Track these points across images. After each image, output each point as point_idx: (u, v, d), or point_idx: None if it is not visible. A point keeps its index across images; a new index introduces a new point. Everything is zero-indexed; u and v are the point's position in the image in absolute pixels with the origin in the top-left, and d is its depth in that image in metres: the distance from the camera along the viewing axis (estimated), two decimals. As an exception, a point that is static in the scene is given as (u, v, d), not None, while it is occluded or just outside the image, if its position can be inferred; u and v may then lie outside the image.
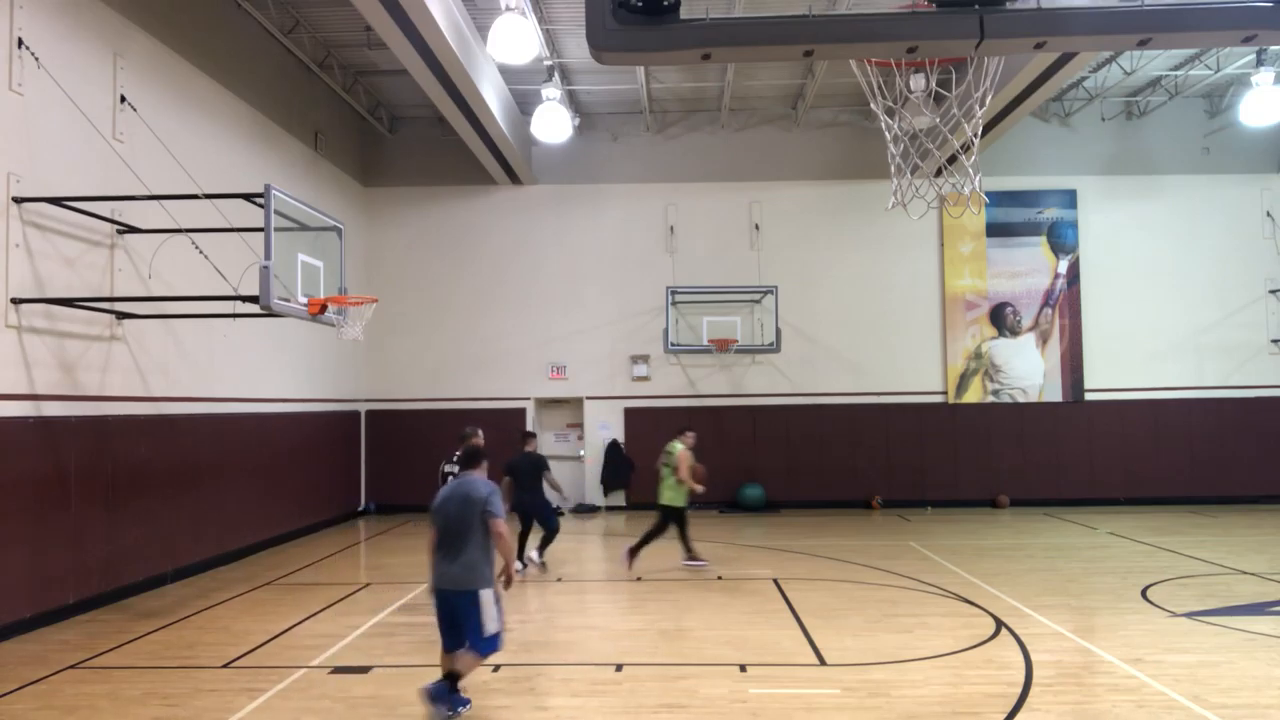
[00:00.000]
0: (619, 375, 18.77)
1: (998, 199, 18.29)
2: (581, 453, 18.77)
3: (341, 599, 10.31)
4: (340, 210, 16.52)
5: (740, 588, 10.73)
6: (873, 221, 18.46)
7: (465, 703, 6.41)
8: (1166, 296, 18.61)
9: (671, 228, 18.92)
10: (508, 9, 12.15)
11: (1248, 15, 6.28)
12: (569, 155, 18.78)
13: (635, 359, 18.75)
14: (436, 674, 6.98)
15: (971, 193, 8.25)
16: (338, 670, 7.50)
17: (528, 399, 18.71)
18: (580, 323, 18.84)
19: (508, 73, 16.03)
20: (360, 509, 18.31)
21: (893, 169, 8.63)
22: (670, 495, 11.69)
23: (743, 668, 7.42)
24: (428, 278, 18.88)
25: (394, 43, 11.99)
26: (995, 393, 18.58)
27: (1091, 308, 18.65)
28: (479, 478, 6.60)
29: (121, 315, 10.35)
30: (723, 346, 17.41)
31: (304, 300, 9.39)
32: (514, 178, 18.66)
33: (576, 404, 18.88)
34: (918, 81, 8.87)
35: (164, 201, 9.98)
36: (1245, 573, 11.10)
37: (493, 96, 14.96)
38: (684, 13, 6.31)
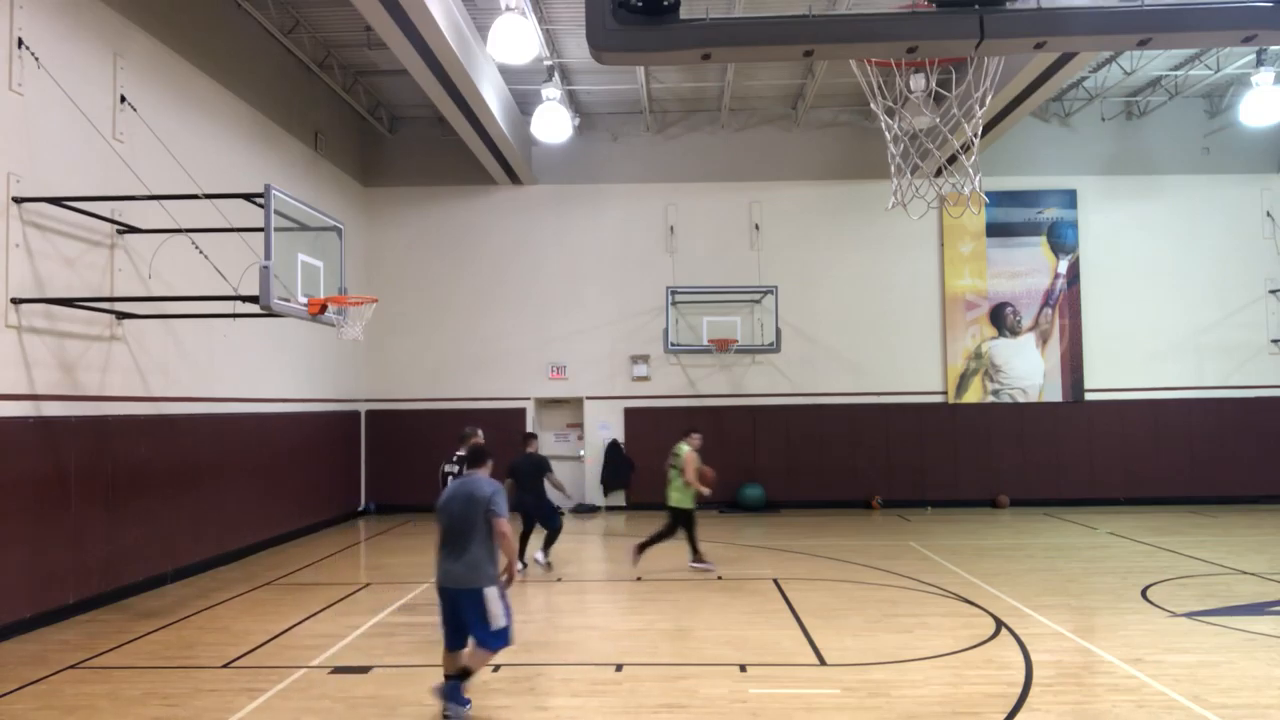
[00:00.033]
0: (619, 375, 18.77)
1: (998, 199, 18.29)
2: (581, 453, 18.77)
3: (341, 599, 10.31)
4: (340, 210, 16.53)
5: (740, 588, 10.73)
6: (873, 221, 18.46)
7: (466, 703, 6.41)
8: (1166, 296, 18.61)
9: (671, 228, 18.92)
10: (508, 9, 12.15)
11: (1248, 15, 6.28)
12: (569, 155, 18.78)
13: (635, 359, 18.75)
14: (437, 674, 6.99)
15: (971, 193, 8.25)
16: (338, 670, 7.50)
17: (528, 399, 18.71)
18: (580, 323, 18.84)
19: (508, 73, 16.03)
20: (360, 509, 18.31)
21: (893, 169, 8.62)
22: (677, 497, 11.68)
23: (743, 668, 7.42)
24: (428, 278, 18.88)
25: (394, 43, 11.99)
26: (995, 393, 18.58)
27: (1091, 308, 18.65)
28: (483, 477, 6.63)
29: (121, 315, 10.35)
30: (723, 346, 17.41)
31: (304, 300, 9.39)
32: (514, 178, 18.66)
33: (576, 404, 18.88)
34: (918, 81, 8.87)
35: (164, 201, 9.98)
36: (1245, 573, 11.10)
37: (493, 96, 14.97)
38: (684, 13, 6.31)
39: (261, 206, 8.95)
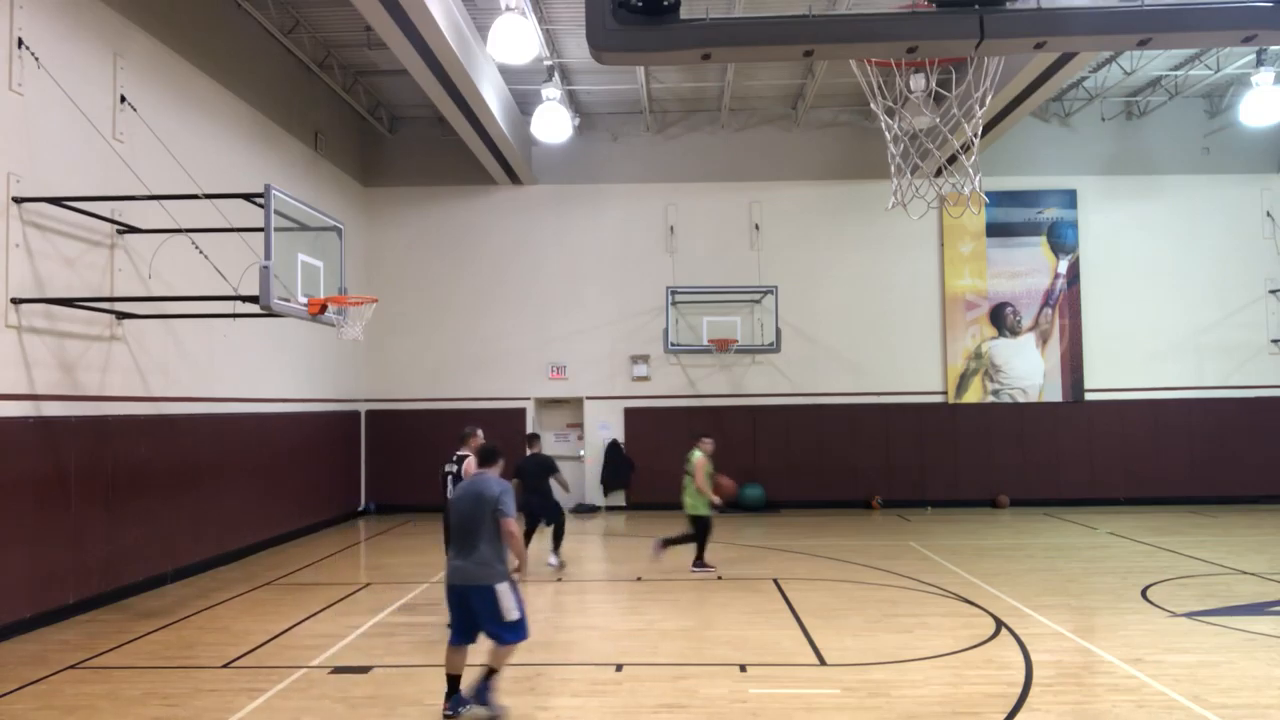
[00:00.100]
0: (619, 375, 18.77)
1: (998, 199, 18.29)
2: (581, 453, 18.77)
3: (341, 599, 10.31)
4: (340, 210, 16.53)
5: (740, 588, 10.73)
6: (873, 221, 18.46)
7: (466, 703, 6.41)
8: (1166, 296, 18.61)
9: (671, 228, 18.92)
10: (508, 9, 12.15)
11: (1248, 15, 6.28)
12: (569, 155, 18.78)
13: (635, 359, 18.75)
14: (437, 673, 7.00)
15: (971, 193, 8.25)
16: (338, 670, 7.50)
17: (528, 399, 18.71)
18: (580, 323, 18.84)
19: (508, 73, 16.03)
20: (360, 509, 18.31)
21: (893, 169, 8.62)
22: (690, 503, 11.66)
23: (743, 668, 7.42)
24: (428, 278, 18.88)
25: (394, 43, 11.99)
26: (995, 393, 18.58)
27: (1091, 308, 18.65)
28: (492, 476, 6.66)
29: (121, 315, 10.35)
30: (723, 346, 17.41)
31: (304, 300, 9.39)
32: (514, 178, 18.66)
33: (576, 404, 18.88)
34: (918, 81, 8.86)
35: (164, 201, 9.98)
36: (1245, 573, 11.10)
37: (493, 96, 14.97)
38: (684, 13, 6.31)
39: (261, 206, 8.95)
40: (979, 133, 8.81)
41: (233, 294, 9.40)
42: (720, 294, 18.00)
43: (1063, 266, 18.71)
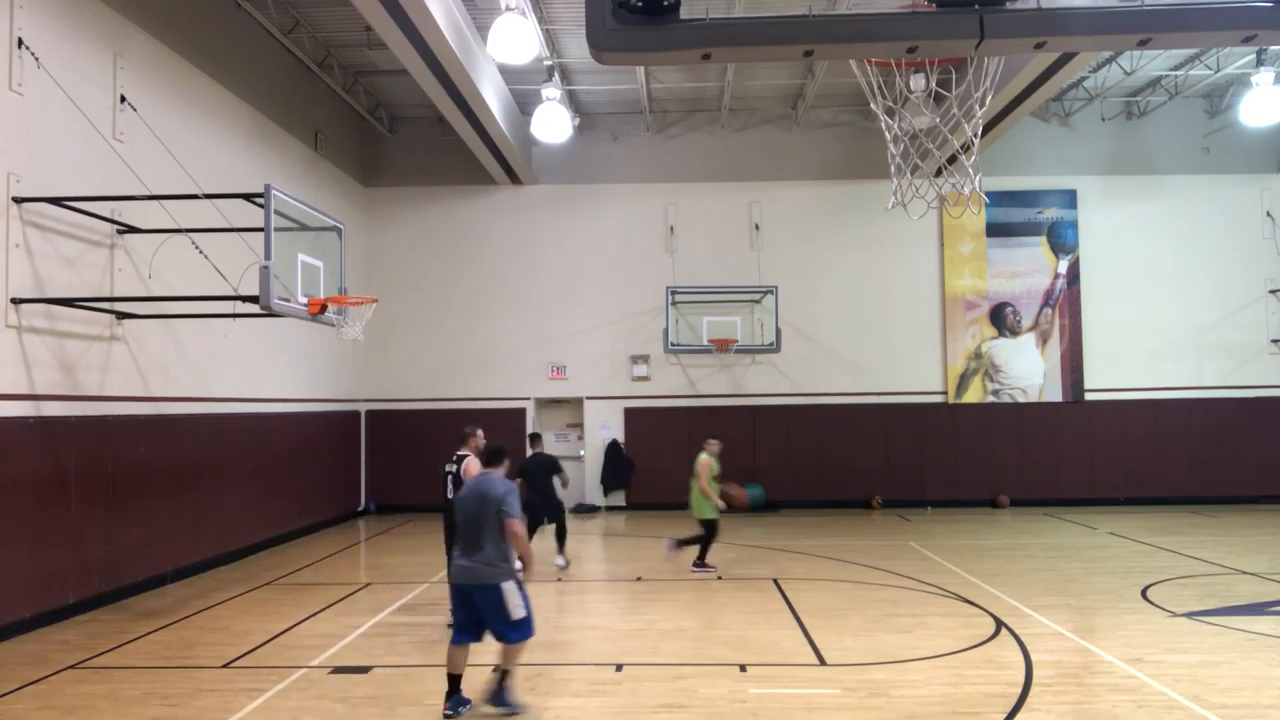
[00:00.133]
0: (619, 375, 18.77)
1: (998, 199, 18.30)
2: (581, 453, 18.77)
3: (341, 599, 10.31)
4: (340, 210, 16.53)
5: (740, 588, 10.73)
6: (873, 221, 18.46)
7: (466, 703, 6.42)
8: (1166, 296, 18.61)
9: (671, 228, 18.92)
10: (508, 9, 12.15)
11: (1248, 15, 6.28)
12: (569, 155, 18.78)
13: (635, 359, 18.75)
14: (436, 673, 7.01)
15: (971, 193, 8.24)
16: (338, 670, 7.50)
17: (528, 399, 18.71)
18: (580, 323, 18.84)
19: (508, 73, 16.03)
20: (360, 509, 18.31)
21: (893, 169, 8.62)
22: (696, 506, 11.68)
23: (743, 668, 7.42)
24: (428, 278, 18.88)
25: (394, 43, 11.99)
26: (995, 393, 18.58)
27: (1091, 308, 18.65)
28: (497, 476, 6.68)
29: (121, 315, 10.35)
30: (723, 346, 17.41)
31: (304, 300, 9.39)
32: (514, 178, 18.66)
33: (576, 404, 18.88)
34: (918, 81, 8.86)
35: (164, 201, 9.98)
36: (1245, 573, 11.10)
37: (493, 96, 14.97)
38: (684, 13, 6.31)
39: (261, 206, 8.95)
40: (979, 133, 8.81)
41: (233, 294, 9.40)
42: (720, 294, 18.00)
43: (1063, 266, 18.72)
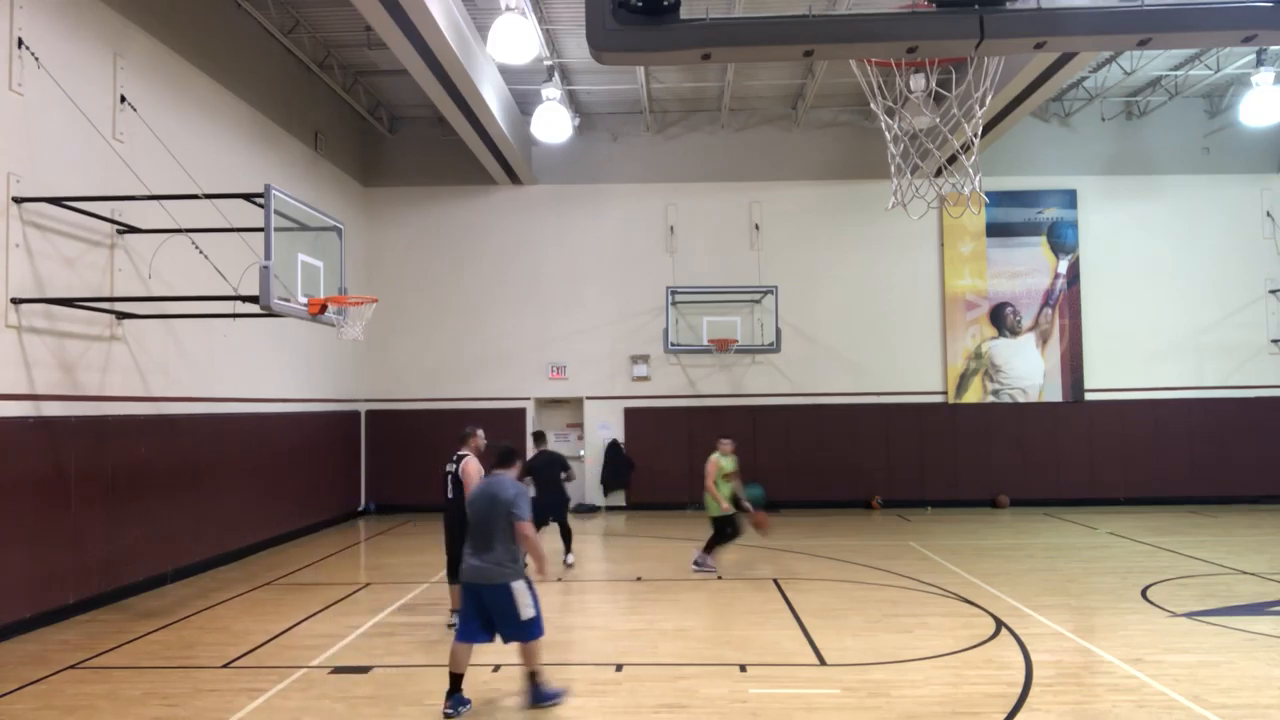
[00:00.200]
0: (619, 375, 18.77)
1: (998, 199, 18.30)
2: (581, 453, 18.77)
3: (341, 599, 10.31)
4: (340, 210, 16.53)
5: (740, 588, 10.73)
6: (873, 221, 18.46)
7: (466, 703, 6.42)
8: (1166, 296, 18.61)
9: (671, 228, 18.92)
10: (508, 9, 12.15)
11: (1248, 15, 6.28)
12: (569, 155, 18.78)
13: (635, 359, 18.75)
14: (436, 673, 7.01)
15: (971, 193, 8.24)
16: (338, 670, 7.50)
17: (528, 399, 18.71)
18: (580, 323, 18.84)
19: (508, 73, 16.03)
20: (360, 509, 18.31)
21: (893, 169, 8.62)
22: (709, 504, 11.71)
23: (743, 668, 7.42)
24: (428, 278, 18.89)
25: (394, 43, 11.99)
26: (995, 393, 18.58)
27: (1091, 308, 18.65)
28: (508, 478, 6.73)
29: (121, 315, 10.35)
30: (723, 346, 17.41)
31: (304, 300, 9.39)
32: (514, 178, 18.66)
33: (576, 404, 18.88)
34: (918, 81, 8.86)
35: (164, 201, 9.98)
36: (1245, 573, 11.10)
37: (493, 96, 14.97)
38: (684, 13, 6.31)
39: (261, 206, 8.95)
40: (979, 133, 8.80)
41: (233, 294, 9.40)
42: (720, 294, 18.00)
43: (1063, 266, 18.72)
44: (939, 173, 14.44)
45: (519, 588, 6.41)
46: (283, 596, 10.54)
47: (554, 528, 11.99)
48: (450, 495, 8.80)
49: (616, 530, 16.10)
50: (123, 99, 10.46)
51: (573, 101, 17.96)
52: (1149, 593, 10.06)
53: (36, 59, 9.05)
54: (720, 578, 11.30)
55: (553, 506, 11.84)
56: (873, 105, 8.41)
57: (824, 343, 18.67)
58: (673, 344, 17.68)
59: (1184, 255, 18.65)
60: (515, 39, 12.22)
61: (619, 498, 18.55)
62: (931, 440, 18.42)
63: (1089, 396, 18.51)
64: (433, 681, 7.00)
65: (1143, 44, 6.66)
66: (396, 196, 19.01)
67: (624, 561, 12.94)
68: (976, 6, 6.28)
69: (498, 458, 6.92)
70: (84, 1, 10.01)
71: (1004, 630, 8.50)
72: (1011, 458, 18.37)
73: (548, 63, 15.28)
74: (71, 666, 7.68)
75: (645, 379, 18.71)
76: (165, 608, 9.91)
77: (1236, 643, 7.96)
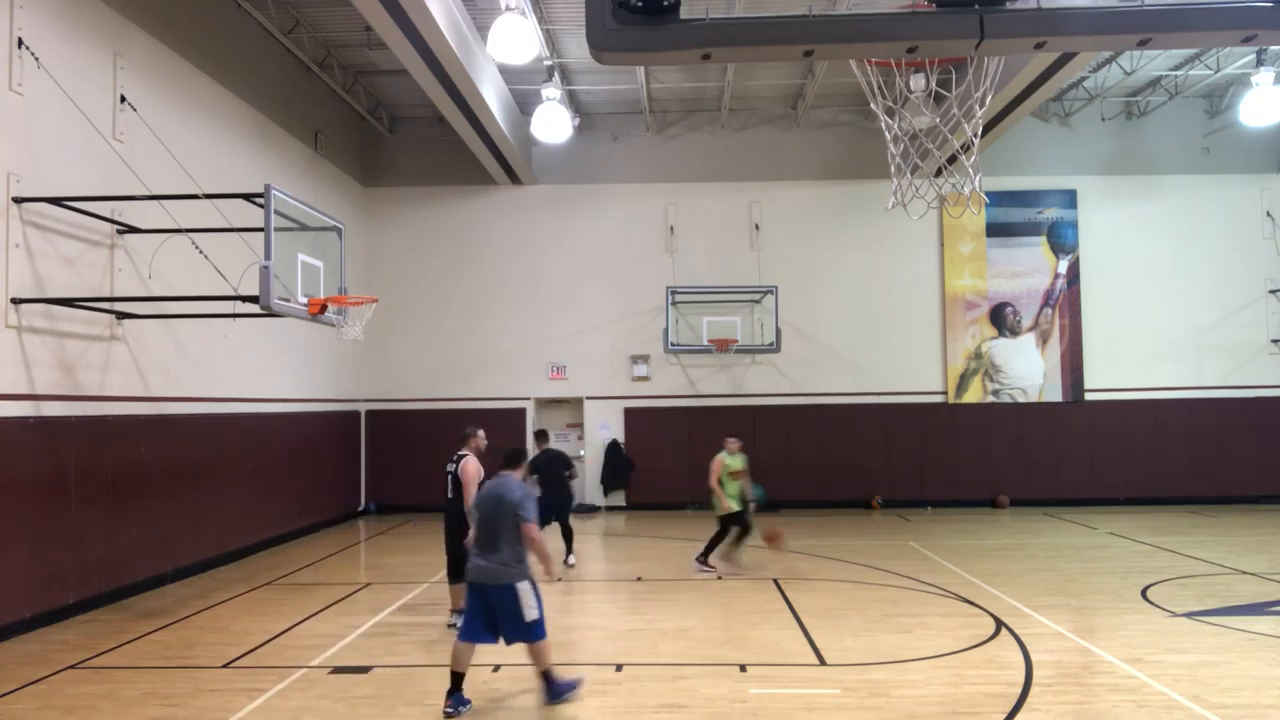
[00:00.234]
0: (619, 375, 18.77)
1: (998, 199, 18.29)
2: (581, 453, 18.76)
3: (341, 599, 10.31)
4: (340, 210, 16.53)
5: (740, 588, 10.73)
6: (873, 221, 18.46)
7: (466, 703, 6.42)
8: (1166, 296, 18.61)
9: (671, 228, 18.92)
10: (508, 9, 12.15)
11: (1248, 15, 6.28)
12: (569, 155, 18.78)
13: (635, 359, 18.75)
14: (437, 673, 7.01)
15: (971, 193, 8.24)
16: (338, 670, 7.50)
17: (528, 399, 18.71)
18: (580, 323, 18.84)
19: (508, 73, 16.03)
20: (360, 509, 18.31)
21: (893, 169, 8.62)
22: (715, 504, 11.71)
23: (743, 668, 7.42)
24: (428, 278, 18.89)
25: (394, 43, 11.99)
26: (995, 393, 18.58)
27: (1091, 308, 18.65)
28: (514, 480, 6.76)
29: (121, 315, 10.35)
30: (723, 346, 17.41)
31: (304, 300, 9.39)
32: (514, 178, 18.66)
33: (576, 404, 18.88)
34: (918, 81, 8.86)
35: (164, 201, 9.98)
36: (1245, 573, 11.10)
37: (493, 96, 14.97)
38: (684, 13, 6.31)
39: (261, 206, 8.95)
40: (979, 133, 8.80)
41: (233, 294, 9.40)
42: (720, 294, 18.00)
43: (1063, 266, 18.72)
44: (939, 173, 14.44)
45: (524, 589, 6.43)
46: (283, 596, 10.54)
47: (554, 527, 11.99)
48: (450, 495, 8.80)
49: (616, 530, 16.10)
50: (123, 99, 10.46)
51: (573, 101, 17.96)
52: (1149, 593, 10.06)
53: (36, 59, 9.05)
54: (720, 578, 11.30)
55: (557, 504, 11.84)
56: (873, 105, 8.41)
57: (824, 343, 18.67)
58: (673, 344, 17.68)
59: (1184, 255, 18.65)
60: (515, 39, 12.22)
61: (619, 498, 18.55)
62: (931, 440, 18.43)
63: (1089, 396, 18.51)
64: (433, 681, 7.00)
65: (1143, 44, 6.67)
66: (396, 196, 19.01)
67: (624, 561, 12.95)
68: (976, 6, 6.29)
69: (506, 459, 6.96)
70: (84, 1, 10.01)
71: (1004, 630, 8.50)
72: (1011, 458, 18.37)
73: (548, 63, 15.28)
74: (71, 666, 7.68)
75: (645, 379, 18.71)
76: (165, 608, 9.91)
77: (1236, 643, 7.96)
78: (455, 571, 8.78)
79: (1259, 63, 15.71)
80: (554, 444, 12.49)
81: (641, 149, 19.08)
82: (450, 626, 8.71)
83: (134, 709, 6.61)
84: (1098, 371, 18.57)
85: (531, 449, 12.61)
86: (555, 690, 6.57)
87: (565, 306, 18.85)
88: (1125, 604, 9.56)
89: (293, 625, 9.07)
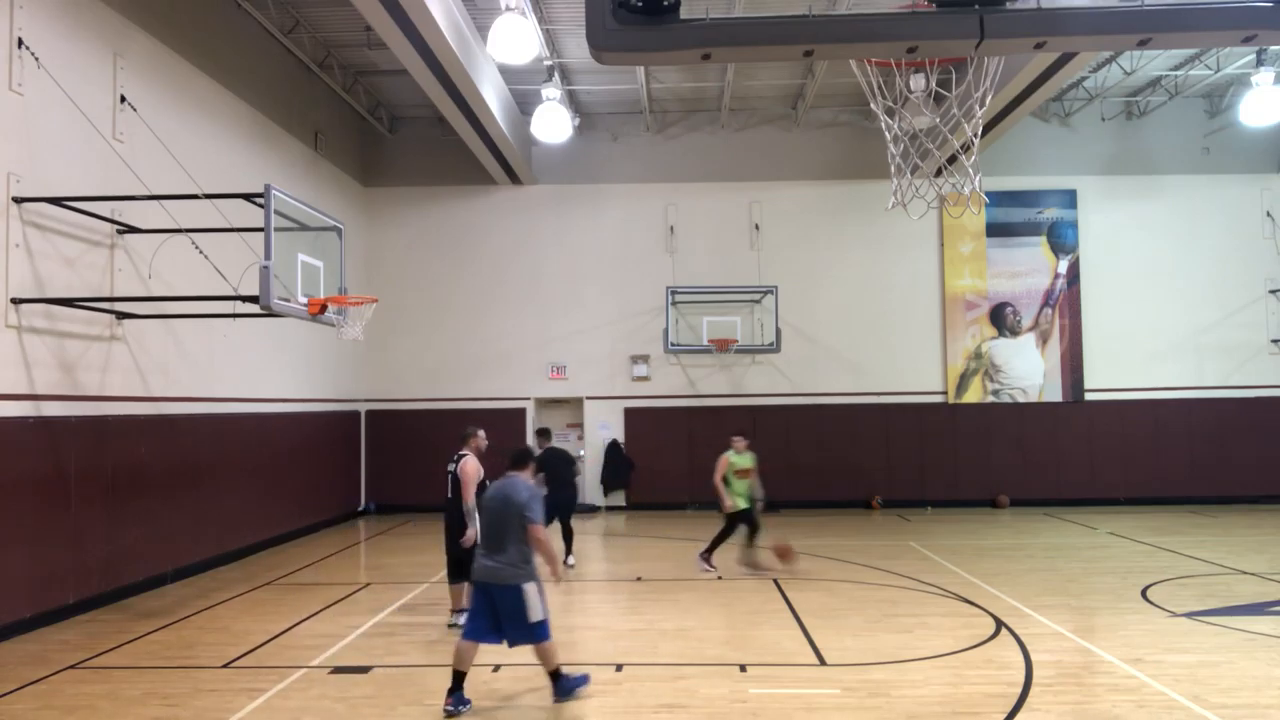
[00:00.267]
0: (619, 375, 18.77)
1: (998, 199, 18.29)
2: (581, 453, 18.76)
3: (341, 599, 10.31)
4: (340, 210, 16.52)
5: (740, 588, 10.73)
6: (873, 221, 18.46)
7: (467, 703, 6.42)
8: (1166, 296, 18.61)
9: (671, 228, 18.92)
10: (508, 9, 12.15)
11: (1248, 15, 6.28)
12: (569, 155, 18.78)
13: (635, 359, 18.75)
14: (437, 673, 7.01)
15: (971, 193, 8.24)
16: (338, 670, 7.50)
17: (528, 399, 18.71)
18: (580, 323, 18.84)
19: (508, 73, 16.03)
20: (360, 509, 18.31)
21: (893, 169, 8.62)
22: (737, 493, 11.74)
23: (743, 668, 7.42)
24: (428, 278, 18.89)
25: (394, 43, 11.99)
26: (995, 393, 18.58)
27: (1091, 308, 18.65)
28: (521, 481, 6.75)
29: (121, 315, 10.35)
30: (723, 346, 17.41)
31: (304, 300, 9.39)
32: (514, 178, 18.66)
33: (576, 404, 18.88)
34: (918, 81, 8.86)
35: (164, 201, 9.97)
36: (1245, 573, 11.10)
37: (493, 96, 14.96)
38: (684, 13, 6.31)
39: (261, 206, 8.94)
40: (979, 133, 8.80)
41: (233, 294, 9.40)
42: (720, 294, 18.00)
43: (1063, 266, 18.72)
44: (939, 173, 14.44)
45: (530, 590, 6.42)
46: (283, 596, 10.54)
47: (554, 527, 11.99)
48: (450, 495, 8.80)
49: (616, 530, 16.10)
50: (123, 99, 10.46)
51: (573, 101, 17.96)
52: (1149, 593, 10.06)
53: (36, 59, 9.05)
54: (721, 577, 11.30)
55: (563, 503, 11.82)
56: (873, 105, 8.42)
57: (824, 343, 18.67)
58: (673, 344, 17.68)
59: (1184, 255, 18.65)
60: (515, 39, 12.22)
61: (619, 498, 18.55)
62: (931, 440, 18.42)
63: (1089, 396, 18.51)
64: (433, 681, 7.00)
65: (1143, 44, 6.67)
66: (396, 196, 19.01)
67: (624, 561, 12.95)
68: (976, 6, 6.29)
69: (512, 460, 6.95)
70: (84, 1, 10.01)
71: (1004, 630, 8.50)
72: (1011, 458, 18.37)
73: (548, 63, 15.28)
74: (71, 666, 7.68)
75: (645, 379, 18.71)
76: (165, 608, 9.91)
77: (1236, 643, 7.96)
78: (455, 571, 8.79)
79: (1259, 63, 15.71)
80: (554, 444, 12.47)
81: (641, 149, 19.08)
82: (450, 626, 8.71)
83: (134, 709, 6.61)
84: (1098, 371, 18.57)
85: (535, 449, 12.58)
86: (565, 686, 6.59)
87: (565, 306, 18.85)
88: (1125, 604, 9.56)
89: (293, 625, 9.07)
